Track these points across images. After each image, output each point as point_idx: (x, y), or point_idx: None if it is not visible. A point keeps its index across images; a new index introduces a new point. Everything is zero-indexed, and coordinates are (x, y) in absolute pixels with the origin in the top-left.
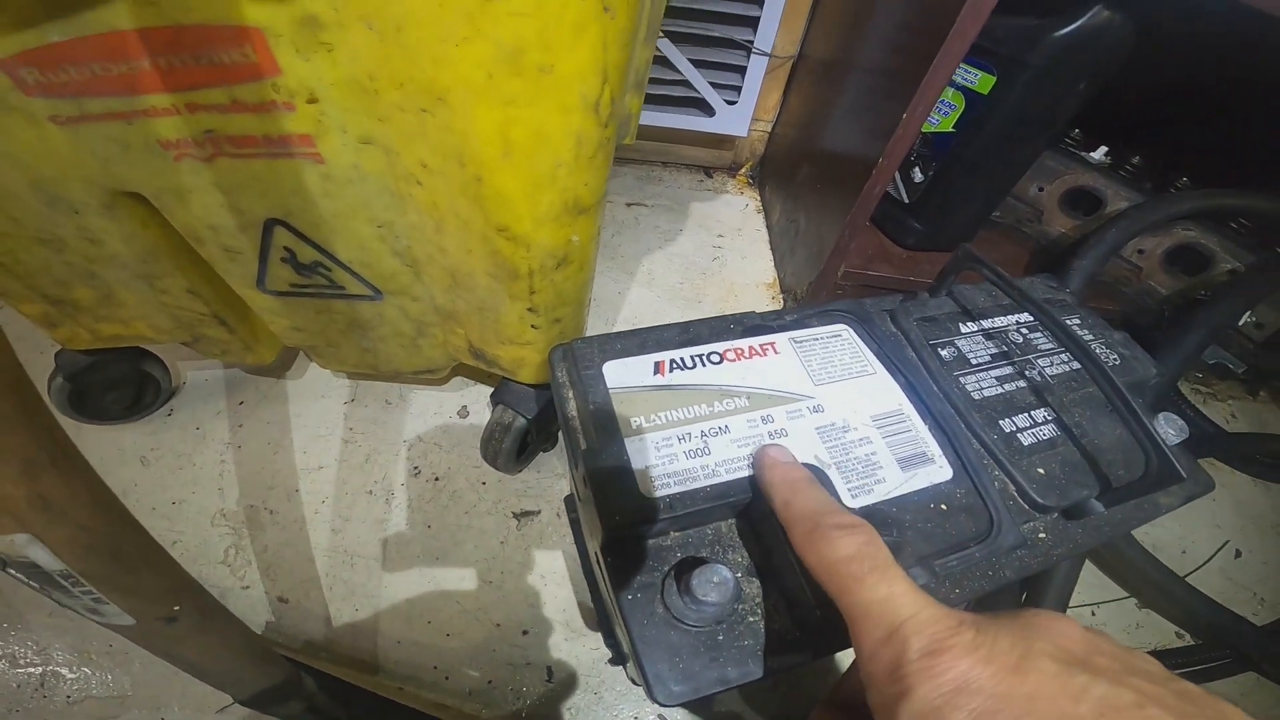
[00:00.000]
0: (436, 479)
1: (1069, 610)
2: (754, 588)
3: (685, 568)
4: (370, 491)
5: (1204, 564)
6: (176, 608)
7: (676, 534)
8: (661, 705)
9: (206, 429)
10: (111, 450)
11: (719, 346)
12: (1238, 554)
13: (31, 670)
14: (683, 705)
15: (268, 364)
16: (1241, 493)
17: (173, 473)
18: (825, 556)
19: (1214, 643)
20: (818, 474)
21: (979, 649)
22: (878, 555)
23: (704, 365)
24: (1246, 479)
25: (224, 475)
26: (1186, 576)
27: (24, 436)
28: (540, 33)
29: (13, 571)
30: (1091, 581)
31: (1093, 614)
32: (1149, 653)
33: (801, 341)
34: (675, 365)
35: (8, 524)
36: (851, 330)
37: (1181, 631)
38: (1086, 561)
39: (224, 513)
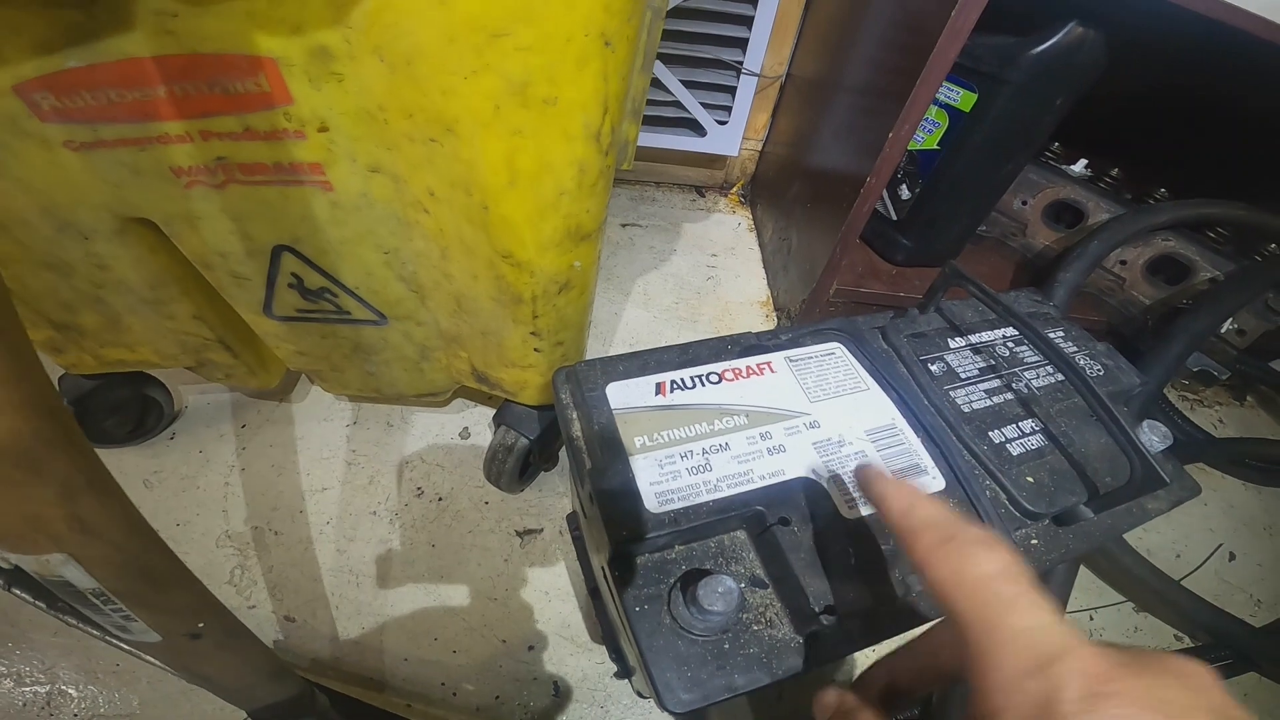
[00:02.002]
0: (440, 499)
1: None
2: (758, 597)
3: (690, 579)
4: (374, 512)
5: (1199, 567)
6: (201, 624)
7: (681, 547)
8: (671, 714)
9: (209, 452)
10: (114, 474)
11: (718, 367)
12: (1231, 557)
13: (38, 689)
14: (690, 714)
15: (271, 388)
16: (1233, 496)
17: (176, 495)
18: (962, 572)
19: (1214, 644)
20: (814, 486)
21: (1145, 698)
22: (1023, 577)
23: (704, 385)
24: (1238, 483)
25: (228, 497)
26: (1182, 580)
27: (63, 460)
28: (546, 66)
29: (18, 591)
30: (1089, 586)
31: (1090, 618)
32: None
33: (797, 360)
34: (676, 386)
35: (45, 544)
36: (844, 348)
37: (1180, 634)
38: (1082, 567)
39: (229, 534)
